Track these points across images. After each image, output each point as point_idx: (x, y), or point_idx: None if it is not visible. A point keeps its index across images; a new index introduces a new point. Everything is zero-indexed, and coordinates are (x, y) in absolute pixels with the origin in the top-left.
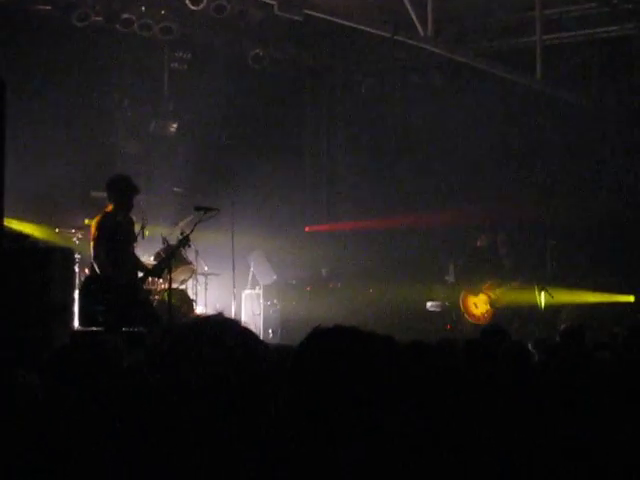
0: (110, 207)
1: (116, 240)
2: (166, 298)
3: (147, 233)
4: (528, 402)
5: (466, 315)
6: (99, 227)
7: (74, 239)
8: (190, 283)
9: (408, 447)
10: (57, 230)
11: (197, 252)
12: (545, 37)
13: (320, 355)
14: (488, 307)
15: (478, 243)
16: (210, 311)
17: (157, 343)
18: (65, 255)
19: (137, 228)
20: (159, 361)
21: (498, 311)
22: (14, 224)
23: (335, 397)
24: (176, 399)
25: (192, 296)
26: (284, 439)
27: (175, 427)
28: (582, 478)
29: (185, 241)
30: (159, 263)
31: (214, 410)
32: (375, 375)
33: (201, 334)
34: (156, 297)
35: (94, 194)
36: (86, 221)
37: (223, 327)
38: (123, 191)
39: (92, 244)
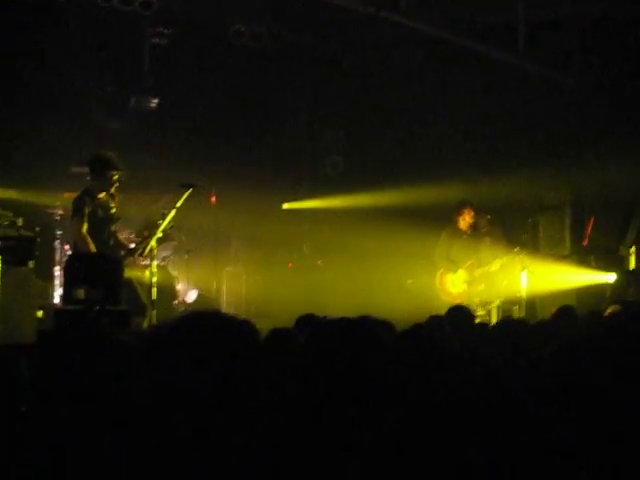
0: (91, 185)
1: (97, 218)
2: (148, 275)
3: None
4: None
5: (442, 293)
6: (79, 204)
7: (55, 216)
8: (172, 260)
9: (414, 434)
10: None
11: (179, 229)
12: (528, 14)
13: (325, 349)
14: (465, 287)
15: (460, 222)
16: (191, 289)
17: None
18: None
19: (113, 205)
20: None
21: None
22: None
23: (345, 389)
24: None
25: (173, 272)
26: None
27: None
28: None
29: (167, 219)
30: (140, 242)
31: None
32: (380, 366)
33: (180, 338)
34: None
35: (75, 169)
36: (66, 195)
37: (202, 327)
38: (103, 169)
39: (72, 221)
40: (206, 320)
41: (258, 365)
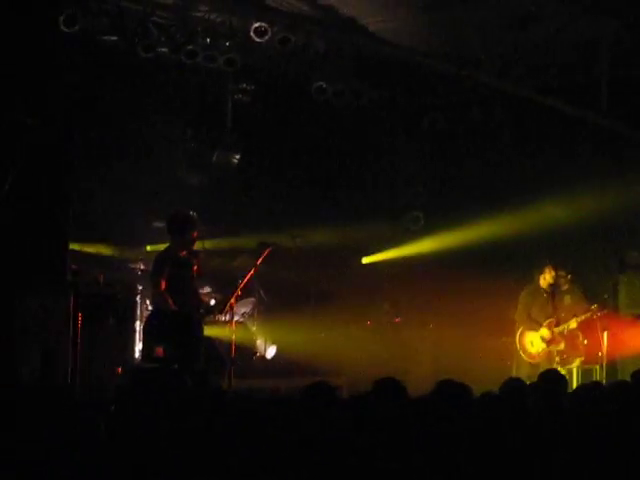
0: (171, 242)
1: (177, 275)
2: (227, 332)
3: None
4: None
5: (522, 353)
6: (160, 261)
7: (137, 270)
8: (251, 316)
9: None
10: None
11: (258, 285)
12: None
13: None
14: (544, 346)
15: (541, 280)
16: (270, 345)
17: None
18: None
19: (195, 263)
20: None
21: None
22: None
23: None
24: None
25: (252, 328)
26: None
27: None
28: None
29: (246, 277)
30: (220, 300)
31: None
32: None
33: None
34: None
35: (157, 224)
36: (148, 247)
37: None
38: (183, 228)
39: (152, 278)
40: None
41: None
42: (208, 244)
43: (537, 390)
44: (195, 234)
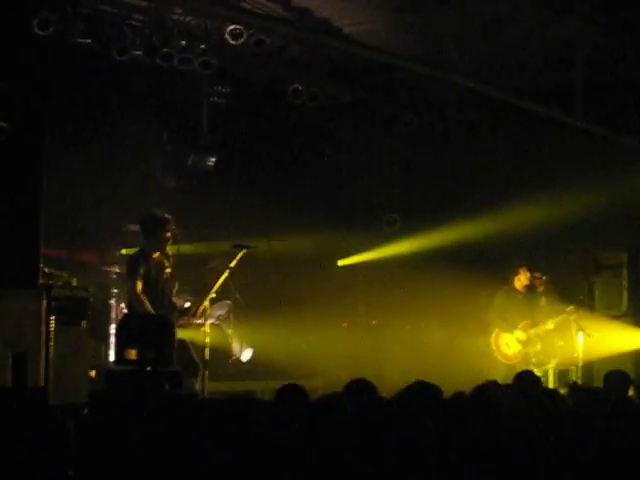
0: (145, 244)
1: (151, 278)
2: (201, 335)
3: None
4: None
5: (498, 354)
6: (134, 264)
7: (111, 273)
8: (227, 319)
9: None
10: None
11: (234, 288)
12: (585, 75)
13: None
14: (520, 347)
15: (516, 282)
16: (246, 348)
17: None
18: None
19: (168, 265)
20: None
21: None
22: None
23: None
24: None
25: (228, 331)
26: None
27: None
28: None
29: (220, 280)
30: (194, 303)
31: None
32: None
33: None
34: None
35: (131, 227)
36: (123, 251)
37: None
38: (156, 228)
39: (127, 281)
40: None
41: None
42: (183, 248)
43: (511, 390)
44: (168, 235)
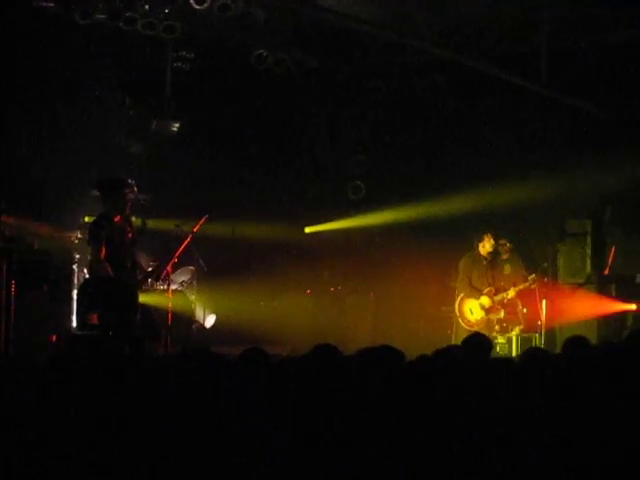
0: (106, 209)
1: (113, 242)
2: (166, 301)
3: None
4: None
5: (461, 321)
6: (96, 229)
7: (73, 239)
8: (190, 284)
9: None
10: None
11: (197, 254)
12: (550, 42)
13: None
14: (483, 314)
15: (480, 248)
16: (209, 314)
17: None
18: None
19: (134, 228)
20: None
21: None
22: (13, 221)
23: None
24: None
25: (191, 297)
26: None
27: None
28: None
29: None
30: (156, 267)
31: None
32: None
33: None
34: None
35: (94, 193)
36: (86, 218)
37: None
38: (114, 189)
39: (89, 246)
40: (198, 358)
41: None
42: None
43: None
44: (127, 194)
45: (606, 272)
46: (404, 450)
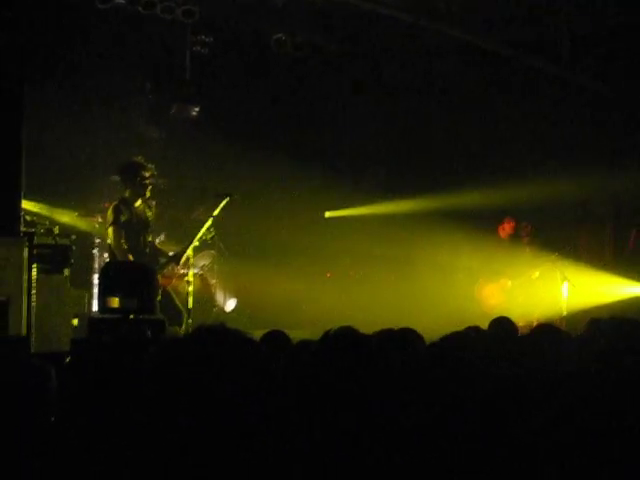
0: (126, 193)
1: (133, 226)
2: (185, 284)
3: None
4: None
5: (481, 304)
6: (115, 213)
7: (95, 224)
8: (211, 268)
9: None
10: (77, 214)
11: (218, 237)
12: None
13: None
14: (504, 297)
15: (500, 231)
16: (230, 297)
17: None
18: None
19: (156, 213)
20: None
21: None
22: (34, 206)
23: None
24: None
25: (212, 281)
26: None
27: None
28: None
29: (204, 228)
30: (178, 251)
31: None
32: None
33: (197, 352)
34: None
35: (115, 178)
36: (106, 204)
37: (220, 343)
38: (134, 173)
39: (109, 230)
40: (213, 336)
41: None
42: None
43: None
44: (146, 177)
45: (627, 255)
46: (422, 429)
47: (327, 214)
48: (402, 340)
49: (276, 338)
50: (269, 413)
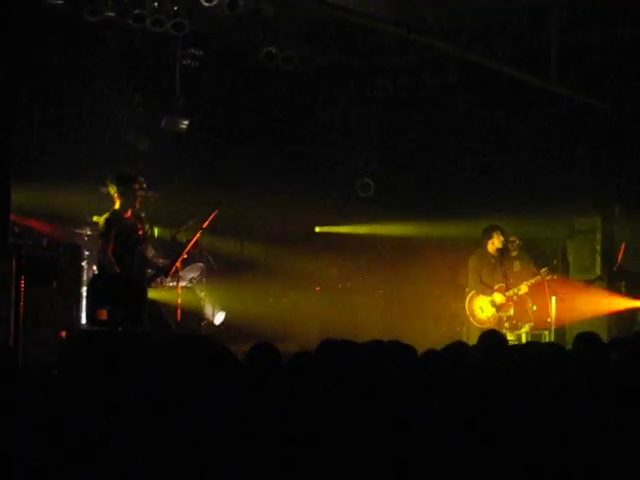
0: (117, 205)
1: (123, 238)
2: (175, 297)
3: (151, 230)
4: None
5: (471, 318)
6: (106, 225)
7: (83, 236)
8: (199, 281)
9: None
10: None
11: (206, 251)
12: (559, 39)
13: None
14: (494, 311)
15: (489, 246)
16: (218, 310)
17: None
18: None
19: (146, 226)
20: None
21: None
22: (22, 218)
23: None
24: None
25: (201, 294)
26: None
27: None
28: None
29: (192, 241)
30: (166, 264)
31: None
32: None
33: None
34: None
35: (104, 190)
36: (94, 218)
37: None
38: (125, 187)
39: (99, 243)
40: (190, 346)
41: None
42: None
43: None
44: (136, 188)
45: (616, 268)
46: (412, 440)
47: (317, 229)
48: (392, 352)
49: (264, 351)
50: (255, 426)
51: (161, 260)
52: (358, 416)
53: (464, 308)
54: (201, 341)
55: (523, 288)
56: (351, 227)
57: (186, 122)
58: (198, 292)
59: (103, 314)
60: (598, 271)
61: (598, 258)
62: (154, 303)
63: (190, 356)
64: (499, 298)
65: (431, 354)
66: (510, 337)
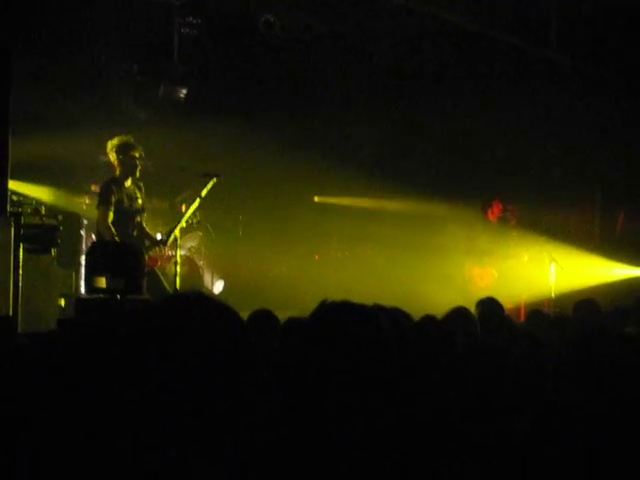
0: (116, 173)
1: (122, 208)
2: (173, 266)
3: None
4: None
5: (470, 286)
6: (106, 192)
7: (82, 204)
8: (198, 250)
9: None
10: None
11: (205, 219)
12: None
13: (330, 332)
14: (493, 280)
15: (489, 214)
16: (218, 279)
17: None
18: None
19: (144, 194)
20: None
21: None
22: (20, 186)
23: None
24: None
25: (199, 262)
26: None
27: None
28: None
29: (191, 209)
30: (165, 233)
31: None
32: (384, 354)
33: (174, 316)
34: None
35: (102, 159)
36: (92, 187)
37: (197, 308)
38: (125, 154)
39: (98, 209)
40: (190, 304)
41: (239, 350)
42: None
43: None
44: (136, 156)
45: (615, 236)
46: (410, 408)
47: (316, 198)
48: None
49: (263, 317)
50: (253, 390)
51: (160, 229)
52: (359, 379)
53: (464, 276)
54: (203, 298)
55: (522, 257)
56: (351, 199)
57: (184, 91)
58: (197, 260)
59: (102, 282)
60: (597, 240)
61: (597, 226)
62: (153, 271)
63: (193, 314)
64: (496, 267)
65: (426, 321)
66: (509, 306)
